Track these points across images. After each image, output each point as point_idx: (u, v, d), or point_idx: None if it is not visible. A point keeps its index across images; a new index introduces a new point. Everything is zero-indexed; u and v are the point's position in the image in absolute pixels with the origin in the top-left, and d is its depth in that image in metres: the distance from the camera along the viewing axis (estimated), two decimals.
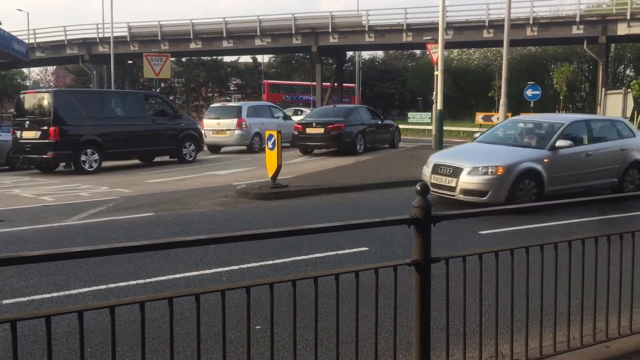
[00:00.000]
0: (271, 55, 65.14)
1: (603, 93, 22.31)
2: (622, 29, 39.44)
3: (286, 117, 24.58)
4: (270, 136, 11.31)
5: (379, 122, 21.67)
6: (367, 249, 7.10)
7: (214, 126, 21.85)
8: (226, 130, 21.58)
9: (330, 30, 45.50)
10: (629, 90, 21.15)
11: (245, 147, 21.96)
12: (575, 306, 3.91)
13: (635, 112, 33.96)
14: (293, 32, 46.38)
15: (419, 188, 3.28)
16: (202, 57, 62.25)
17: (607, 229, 4.26)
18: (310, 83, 56.21)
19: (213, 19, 49.87)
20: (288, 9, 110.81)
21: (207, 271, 6.24)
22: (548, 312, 3.74)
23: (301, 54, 62.27)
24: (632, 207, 9.06)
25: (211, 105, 25.87)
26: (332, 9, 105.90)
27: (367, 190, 12.26)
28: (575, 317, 3.88)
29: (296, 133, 19.88)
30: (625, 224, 7.70)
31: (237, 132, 21.43)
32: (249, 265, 6.43)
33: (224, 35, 47.81)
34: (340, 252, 6.95)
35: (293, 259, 6.65)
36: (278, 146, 11.10)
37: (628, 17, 38.79)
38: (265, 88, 51.24)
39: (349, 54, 58.71)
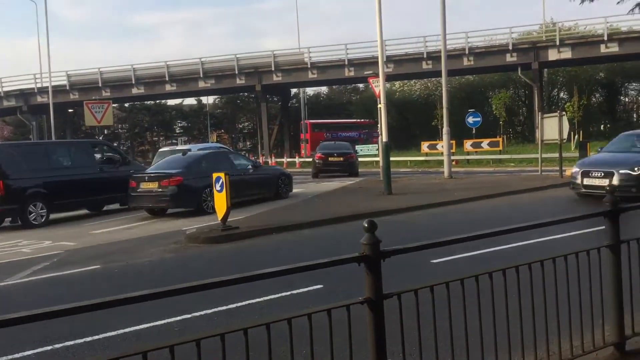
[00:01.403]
0: (216, 96, 65.10)
1: (540, 117, 23.14)
2: (552, 55, 41.34)
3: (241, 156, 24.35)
4: (219, 178, 11.21)
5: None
6: (321, 286, 7.04)
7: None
8: None
9: (273, 68, 45.97)
10: (564, 112, 21.99)
11: None
12: (528, 331, 3.95)
13: (572, 133, 35.41)
14: (236, 72, 46.61)
15: (366, 225, 3.28)
16: (146, 102, 61.64)
17: (551, 252, 4.36)
18: (353, 120, 55.62)
19: (154, 63, 49.60)
20: (230, 50, 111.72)
21: (159, 322, 6.04)
22: (501, 338, 3.77)
23: (246, 94, 62.47)
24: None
25: (160, 150, 25.59)
26: (274, 47, 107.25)
27: (319, 226, 12.25)
28: (538, 339, 3.92)
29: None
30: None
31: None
32: (203, 312, 6.27)
33: (167, 78, 47.61)
34: (294, 291, 6.87)
35: (247, 302, 6.52)
36: (226, 188, 11.00)
37: (557, 43, 40.72)
38: (308, 127, 50.98)
39: (294, 90, 59.30)
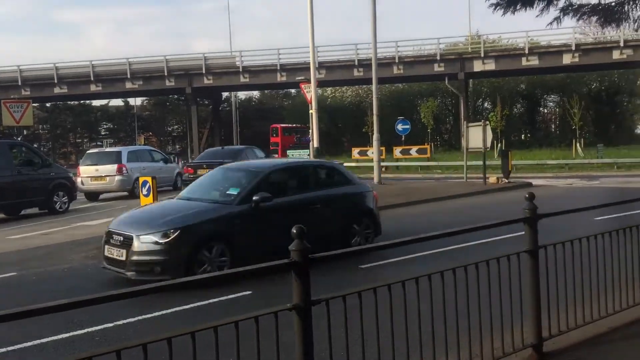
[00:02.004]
0: (144, 98, 63.52)
1: (465, 125, 23.92)
2: (477, 66, 42.92)
3: (167, 161, 24.45)
4: (145, 182, 10.93)
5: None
6: (250, 292, 6.97)
7: (92, 172, 20.89)
8: (105, 176, 20.71)
9: (204, 71, 45.34)
10: (487, 122, 22.82)
11: (127, 193, 21.05)
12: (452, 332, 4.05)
13: (495, 141, 36.81)
14: (165, 74, 45.66)
15: (295, 231, 3.26)
16: (69, 102, 59.34)
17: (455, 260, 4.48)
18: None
19: (79, 62, 47.86)
20: (159, 51, 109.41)
21: (79, 332, 5.80)
22: (427, 341, 3.84)
23: (176, 96, 61.30)
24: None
25: (88, 152, 24.83)
26: (205, 50, 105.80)
27: None
28: (461, 339, 4.01)
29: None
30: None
31: (118, 177, 20.60)
32: (126, 321, 6.06)
33: (92, 78, 46.05)
34: (223, 297, 6.77)
35: (174, 309, 6.37)
36: (153, 192, 10.74)
37: (482, 55, 42.32)
38: (279, 131, 49.36)
39: (225, 94, 58.73)
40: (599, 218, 10.32)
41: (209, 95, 53.95)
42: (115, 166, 20.73)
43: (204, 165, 19.95)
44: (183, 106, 59.52)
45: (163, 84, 46.64)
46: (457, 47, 47.75)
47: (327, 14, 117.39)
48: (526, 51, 41.47)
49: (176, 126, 68.83)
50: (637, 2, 5.00)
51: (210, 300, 6.63)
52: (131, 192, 20.63)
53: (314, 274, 3.25)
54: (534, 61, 41.88)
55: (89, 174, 20.86)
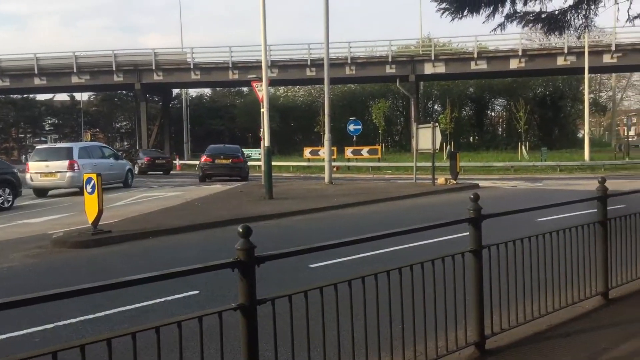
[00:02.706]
0: (91, 93, 61.85)
1: (415, 127, 24.27)
2: (428, 69, 43.63)
3: (118, 157, 24.64)
4: (89, 179, 10.61)
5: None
6: (197, 292, 6.87)
7: (42, 169, 20.52)
8: (56, 172, 20.38)
9: (154, 67, 44.51)
10: (437, 124, 23.22)
11: (78, 190, 20.08)
12: (398, 332, 4.09)
13: (444, 143, 37.48)
14: (114, 69, 44.60)
15: (241, 230, 3.23)
16: (11, 96, 57.21)
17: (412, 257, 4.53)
18: None
19: (22, 54, 46.20)
20: (107, 46, 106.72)
21: (17, 333, 5.59)
22: (372, 340, 3.87)
23: (124, 92, 59.93)
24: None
25: (37, 147, 24.69)
26: (155, 46, 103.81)
27: (197, 230, 11.98)
28: (404, 341, 4.05)
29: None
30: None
31: (69, 174, 20.36)
32: (68, 321, 5.88)
33: (36, 72, 44.56)
34: (169, 297, 6.65)
35: (118, 310, 6.21)
36: (98, 189, 10.44)
37: (433, 57, 43.05)
38: None
39: (176, 91, 57.80)
40: (541, 219, 10.64)
41: (159, 91, 53.03)
42: (66, 162, 20.38)
43: (221, 156, 27.77)
44: (132, 102, 58.29)
45: (111, 79, 45.53)
46: (408, 49, 48.42)
47: (282, 14, 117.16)
48: (475, 55, 42.41)
49: (124, 122, 67.35)
50: (579, 11, 5.17)
51: (156, 300, 6.50)
52: (82, 188, 19.63)
53: (261, 274, 3.23)
54: (483, 65, 42.87)
55: (39, 170, 20.48)
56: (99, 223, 11.01)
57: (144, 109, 48.00)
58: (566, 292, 5.44)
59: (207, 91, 67.81)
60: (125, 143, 65.66)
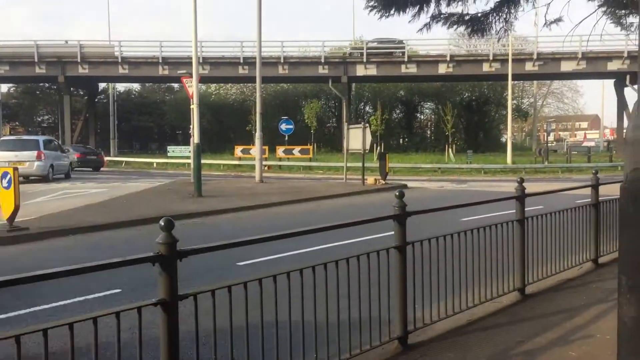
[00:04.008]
0: (10, 85, 58.87)
1: (346, 127, 24.52)
2: (360, 70, 44.17)
3: (63, 150, 27.61)
4: (5, 173, 10.09)
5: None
6: (119, 290, 6.66)
7: (12, 158, 22.35)
8: (25, 161, 22.76)
9: (79, 60, 42.83)
10: (367, 125, 23.53)
11: (40, 177, 23.51)
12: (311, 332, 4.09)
13: (374, 144, 38.05)
14: (36, 60, 42.60)
15: (162, 223, 3.14)
16: None
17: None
18: None
19: None
20: (29, 35, 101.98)
21: None
22: (297, 337, 3.85)
23: (47, 84, 57.42)
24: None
25: (3, 138, 27.15)
26: (82, 38, 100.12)
27: (120, 228, 11.63)
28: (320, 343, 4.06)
29: None
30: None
31: (38, 163, 23.27)
32: None
33: None
34: (89, 296, 6.40)
35: (32, 309, 5.93)
36: (15, 185, 9.94)
37: (364, 59, 43.60)
38: None
39: (102, 85, 55.93)
40: (465, 219, 10.97)
41: (84, 85, 51.14)
42: (35, 152, 23.36)
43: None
44: (55, 95, 55.93)
45: (33, 71, 43.48)
46: (341, 50, 48.86)
47: (217, 11, 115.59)
48: (406, 59, 43.29)
49: (47, 116, 64.59)
50: (500, 14, 5.37)
51: (76, 299, 6.25)
52: (46, 177, 23.74)
53: (188, 273, 3.15)
54: (413, 69, 43.83)
55: (8, 159, 22.04)
56: (16, 219, 10.48)
57: (68, 102, 46.12)
58: (486, 287, 5.62)
59: (135, 86, 66.06)
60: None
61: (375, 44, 44.71)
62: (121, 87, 61.25)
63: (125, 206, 14.93)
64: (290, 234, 4.14)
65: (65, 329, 2.77)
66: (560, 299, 6.08)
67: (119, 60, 43.16)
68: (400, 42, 44.08)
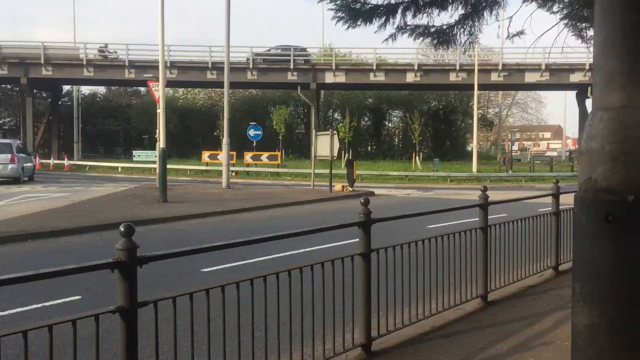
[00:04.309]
0: None
1: (314, 134, 24.55)
2: (329, 77, 44.30)
3: (28, 154, 29.05)
4: None
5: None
6: (79, 297, 6.52)
7: None
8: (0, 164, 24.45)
9: (42, 61, 41.89)
10: (335, 132, 23.60)
11: (12, 179, 24.68)
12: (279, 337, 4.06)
13: (343, 151, 38.19)
14: None
15: (122, 229, 3.09)
16: None
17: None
18: None
19: None
20: None
21: None
22: (260, 343, 3.82)
23: (9, 86, 56.07)
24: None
25: None
26: (47, 39, 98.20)
27: (83, 233, 11.39)
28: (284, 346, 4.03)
29: None
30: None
31: (11, 165, 24.73)
32: None
33: None
34: (47, 303, 6.25)
35: None
36: None
37: (333, 67, 43.78)
38: None
39: (67, 87, 54.88)
40: (431, 226, 11.09)
41: (48, 87, 50.11)
42: (9, 155, 24.72)
43: None
44: (17, 97, 54.64)
45: None
46: (310, 57, 48.95)
47: (185, 15, 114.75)
48: (374, 67, 43.62)
49: (8, 119, 63.03)
50: (464, 27, 5.45)
51: (33, 306, 6.09)
52: (18, 179, 24.99)
53: (150, 279, 3.09)
54: (381, 77, 44.16)
55: None
56: None
57: (31, 105, 45.06)
58: (449, 295, 5.67)
59: (101, 89, 65.05)
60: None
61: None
62: (86, 89, 60.30)
63: (88, 211, 14.65)
64: (254, 240, 4.11)
65: (19, 336, 2.69)
66: (522, 306, 6.17)
67: (84, 62, 42.43)
68: (304, 49, 44.49)
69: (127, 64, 42.30)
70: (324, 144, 22.47)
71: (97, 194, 19.42)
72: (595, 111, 2.08)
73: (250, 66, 42.97)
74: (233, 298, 3.62)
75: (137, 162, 41.04)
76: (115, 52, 44.05)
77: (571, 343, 2.11)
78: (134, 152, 44.84)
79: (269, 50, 43.67)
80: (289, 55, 43.18)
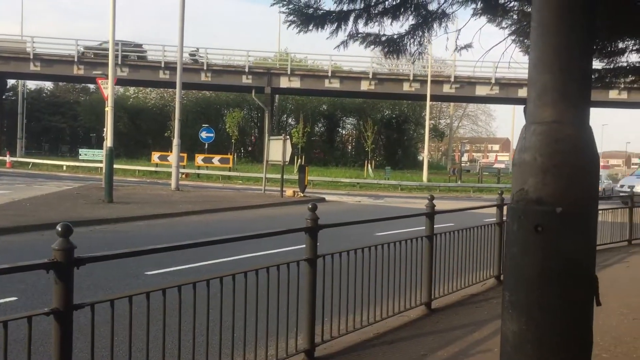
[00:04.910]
0: None
1: (267, 138, 24.49)
2: (284, 82, 44.28)
3: None
4: None
5: None
6: (15, 298, 6.28)
7: None
8: None
9: None
10: (288, 137, 23.60)
11: None
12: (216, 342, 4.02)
13: (296, 157, 38.22)
14: None
15: (59, 229, 2.99)
16: None
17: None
18: None
19: None
20: None
21: None
22: (200, 348, 3.76)
23: None
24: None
25: None
26: None
27: (23, 232, 11.00)
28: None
29: None
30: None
31: None
32: None
33: None
34: None
35: None
36: None
37: (289, 72, 43.80)
38: None
39: (11, 82, 53.02)
40: (380, 234, 11.21)
41: None
42: None
43: None
44: None
45: None
46: (266, 61, 48.85)
47: (140, 14, 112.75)
48: (329, 74, 43.86)
49: None
50: (414, 37, 5.55)
51: None
52: None
53: (92, 281, 3.00)
54: (336, 84, 44.44)
55: None
56: None
57: None
58: (394, 301, 5.73)
59: (48, 85, 63.13)
60: None
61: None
62: (32, 84, 58.41)
63: (29, 210, 14.16)
64: (200, 243, 4.05)
65: None
66: (464, 314, 6.29)
67: (31, 56, 41.12)
68: (139, 45, 43.90)
69: (76, 59, 41.22)
70: (276, 149, 22.42)
71: (40, 192, 18.82)
72: (529, 124, 2.15)
73: (205, 67, 42.56)
74: (175, 302, 3.56)
75: (84, 160, 40.02)
76: (202, 56, 42.78)
77: (500, 349, 2.17)
78: (80, 150, 43.73)
79: (101, 44, 41.74)
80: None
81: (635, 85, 11.82)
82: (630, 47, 8.24)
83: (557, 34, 2.02)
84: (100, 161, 36.10)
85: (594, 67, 10.20)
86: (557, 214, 2.00)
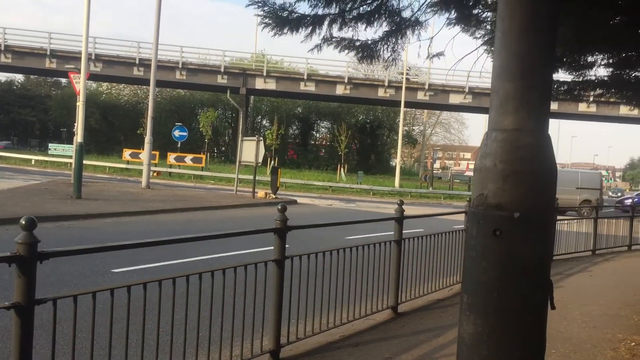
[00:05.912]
0: None
1: (240, 139, 24.41)
2: (259, 84, 44.19)
3: None
4: None
5: None
6: None
7: None
8: None
9: None
10: (261, 138, 23.55)
11: None
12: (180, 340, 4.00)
13: (269, 158, 38.14)
14: None
15: (23, 222, 2.95)
16: None
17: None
18: None
19: None
20: None
21: None
22: (164, 348, 3.74)
23: None
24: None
25: None
26: None
27: None
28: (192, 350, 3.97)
29: None
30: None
31: None
32: None
33: None
34: None
35: None
36: None
37: (264, 73, 43.72)
38: None
39: None
40: (350, 237, 11.25)
41: None
42: None
43: None
44: None
45: None
46: (242, 62, 48.68)
47: (117, 9, 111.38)
48: (305, 77, 43.91)
49: None
50: (388, 44, 5.61)
51: None
52: None
53: (57, 278, 2.96)
54: (311, 87, 44.50)
55: None
56: None
57: None
58: (361, 305, 5.76)
59: (19, 77, 61.97)
60: None
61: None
62: (2, 76, 57.29)
63: None
64: (167, 240, 4.01)
65: None
66: (429, 318, 6.36)
67: (2, 48, 40.35)
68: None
69: (48, 53, 40.55)
70: (249, 150, 22.36)
71: (6, 186, 18.45)
72: (490, 131, 2.20)
73: (180, 66, 42.24)
74: (140, 300, 3.53)
75: (53, 155, 39.34)
76: (417, 75, 42.26)
77: (457, 350, 2.21)
78: (50, 145, 43.00)
79: None
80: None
81: (602, 99, 12.11)
82: (599, 62, 8.44)
83: (520, 44, 2.08)
84: (70, 156, 35.53)
85: (563, 79, 10.46)
86: (515, 219, 2.06)
